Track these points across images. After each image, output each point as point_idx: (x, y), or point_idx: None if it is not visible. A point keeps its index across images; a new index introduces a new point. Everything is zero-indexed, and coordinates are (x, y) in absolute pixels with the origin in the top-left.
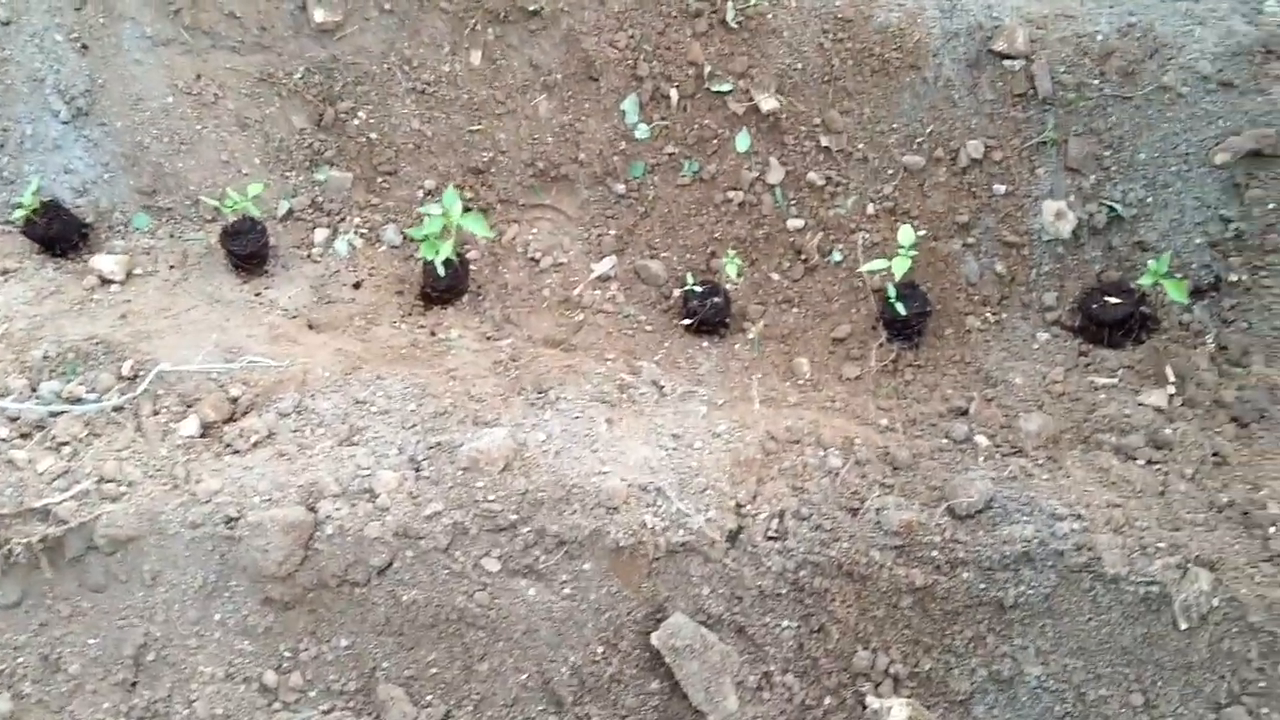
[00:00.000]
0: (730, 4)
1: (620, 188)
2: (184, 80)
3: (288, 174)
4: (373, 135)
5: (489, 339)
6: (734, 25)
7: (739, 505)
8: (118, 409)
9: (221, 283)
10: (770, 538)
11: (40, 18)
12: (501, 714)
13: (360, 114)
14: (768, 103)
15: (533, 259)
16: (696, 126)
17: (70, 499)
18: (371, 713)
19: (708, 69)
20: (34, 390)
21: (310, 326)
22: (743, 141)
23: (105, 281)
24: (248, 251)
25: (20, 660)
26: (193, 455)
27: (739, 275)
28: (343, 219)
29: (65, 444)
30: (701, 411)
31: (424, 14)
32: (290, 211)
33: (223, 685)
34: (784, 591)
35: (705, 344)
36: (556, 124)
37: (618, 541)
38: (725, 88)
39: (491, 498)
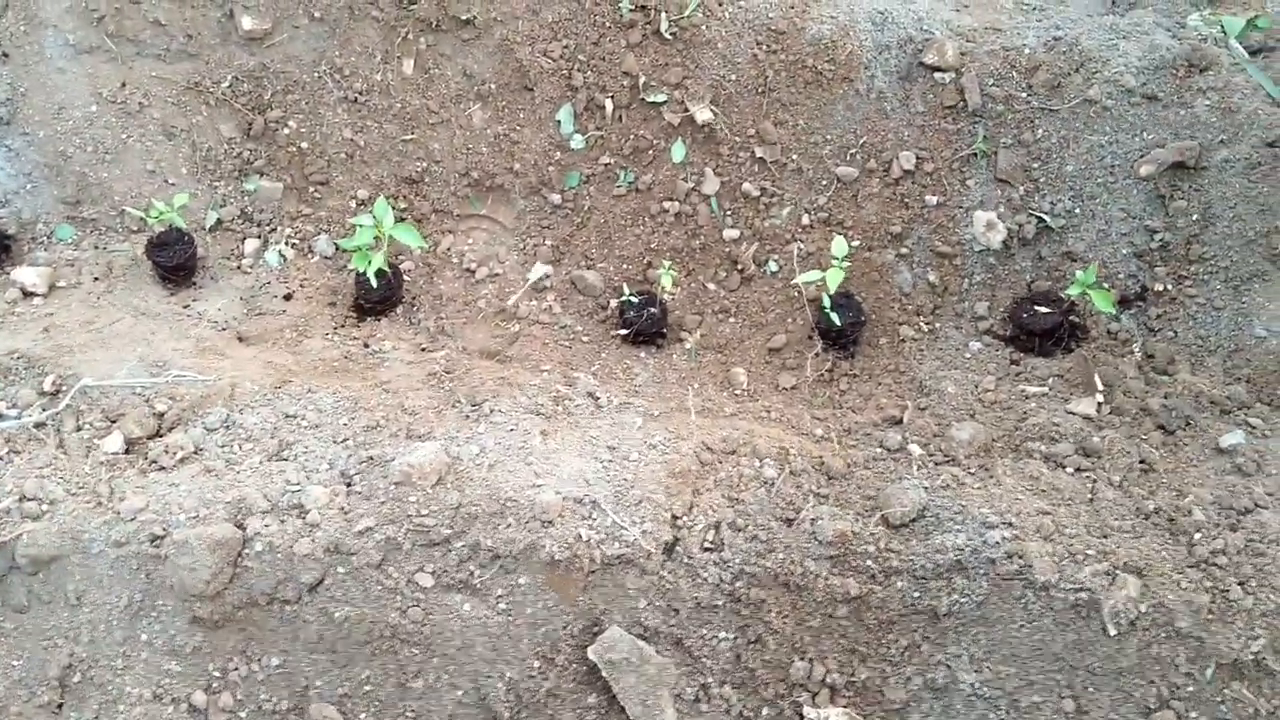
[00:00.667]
0: (664, 15)
1: (556, 198)
2: (108, 89)
3: (216, 184)
4: (304, 144)
5: (423, 351)
6: (668, 36)
7: (675, 517)
8: (39, 425)
9: (148, 295)
10: (706, 549)
11: None
12: None
13: (290, 123)
14: (702, 114)
15: (468, 269)
16: (632, 137)
17: None
18: None
19: (642, 79)
20: None
21: (240, 339)
22: (678, 152)
23: (27, 294)
24: (174, 263)
25: None
26: (116, 472)
27: (675, 286)
28: (273, 229)
29: None
30: (638, 423)
31: (355, 22)
32: (219, 222)
33: (150, 706)
34: (720, 603)
35: (642, 354)
36: (491, 134)
37: (553, 555)
38: (660, 98)
39: (424, 512)
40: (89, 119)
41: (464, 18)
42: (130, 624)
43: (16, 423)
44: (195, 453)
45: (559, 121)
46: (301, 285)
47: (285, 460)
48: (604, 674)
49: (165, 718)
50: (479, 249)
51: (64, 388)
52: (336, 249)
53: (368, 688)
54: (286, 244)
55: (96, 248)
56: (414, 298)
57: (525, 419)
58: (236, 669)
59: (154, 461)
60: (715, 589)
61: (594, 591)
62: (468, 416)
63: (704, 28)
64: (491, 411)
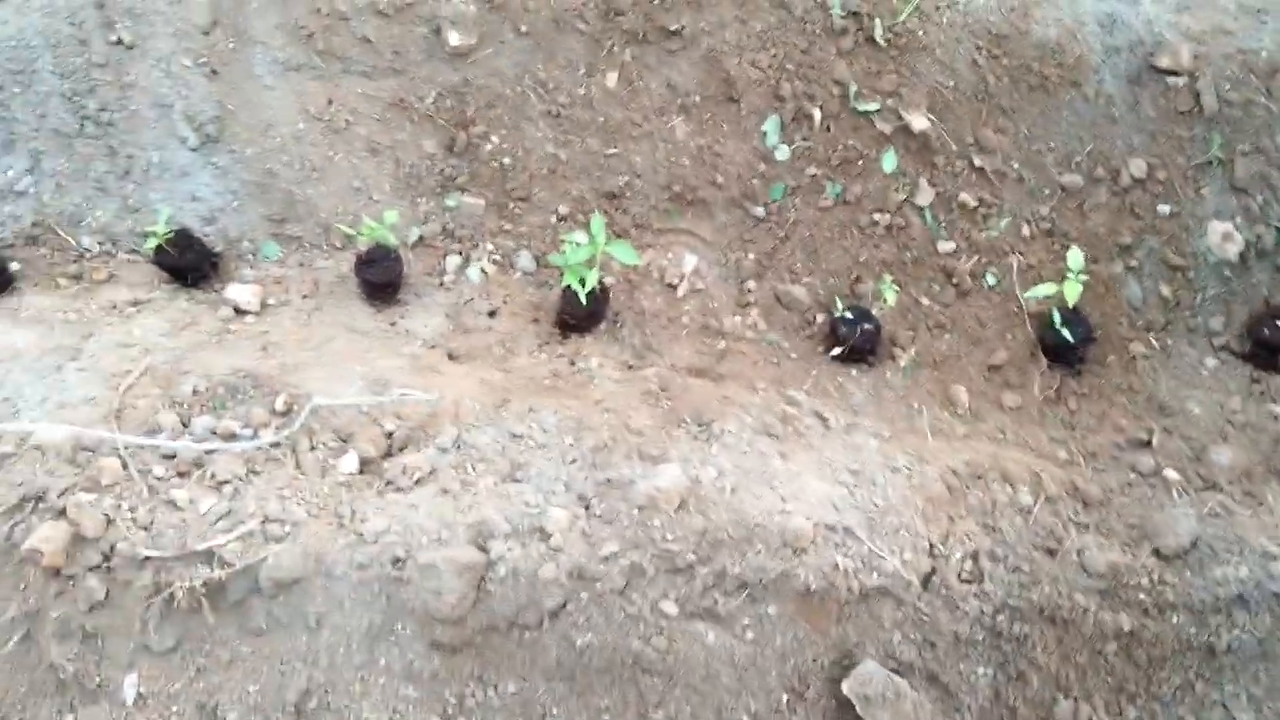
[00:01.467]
0: (878, 21)
1: (759, 211)
2: (315, 106)
3: (418, 200)
4: (505, 160)
5: (630, 368)
6: (881, 43)
7: (931, 546)
8: (274, 445)
9: (355, 312)
10: (965, 580)
11: (166, 42)
12: None
13: (493, 138)
14: (918, 122)
15: (670, 285)
16: (840, 147)
17: (235, 540)
18: None
19: (853, 88)
20: (185, 426)
21: (450, 357)
22: (889, 162)
23: (240, 312)
24: (383, 280)
25: (175, 709)
26: (355, 493)
27: (894, 301)
28: (475, 245)
29: (225, 482)
30: (873, 445)
31: (560, 35)
32: (421, 238)
33: None
34: (980, 637)
35: (854, 372)
36: (694, 146)
37: (808, 584)
38: (872, 107)
39: (670, 538)
40: (296, 136)
41: (671, 28)
42: (369, 648)
43: (255, 444)
44: (430, 474)
45: (764, 132)
46: (505, 301)
47: (519, 482)
48: (857, 709)
49: None
50: (680, 264)
51: (295, 407)
52: (538, 264)
53: (606, 717)
54: (488, 260)
55: (302, 265)
56: (616, 314)
57: (757, 439)
58: (473, 695)
59: (390, 482)
60: (975, 622)
61: (847, 623)
62: (696, 437)
63: (920, 33)
64: (722, 432)
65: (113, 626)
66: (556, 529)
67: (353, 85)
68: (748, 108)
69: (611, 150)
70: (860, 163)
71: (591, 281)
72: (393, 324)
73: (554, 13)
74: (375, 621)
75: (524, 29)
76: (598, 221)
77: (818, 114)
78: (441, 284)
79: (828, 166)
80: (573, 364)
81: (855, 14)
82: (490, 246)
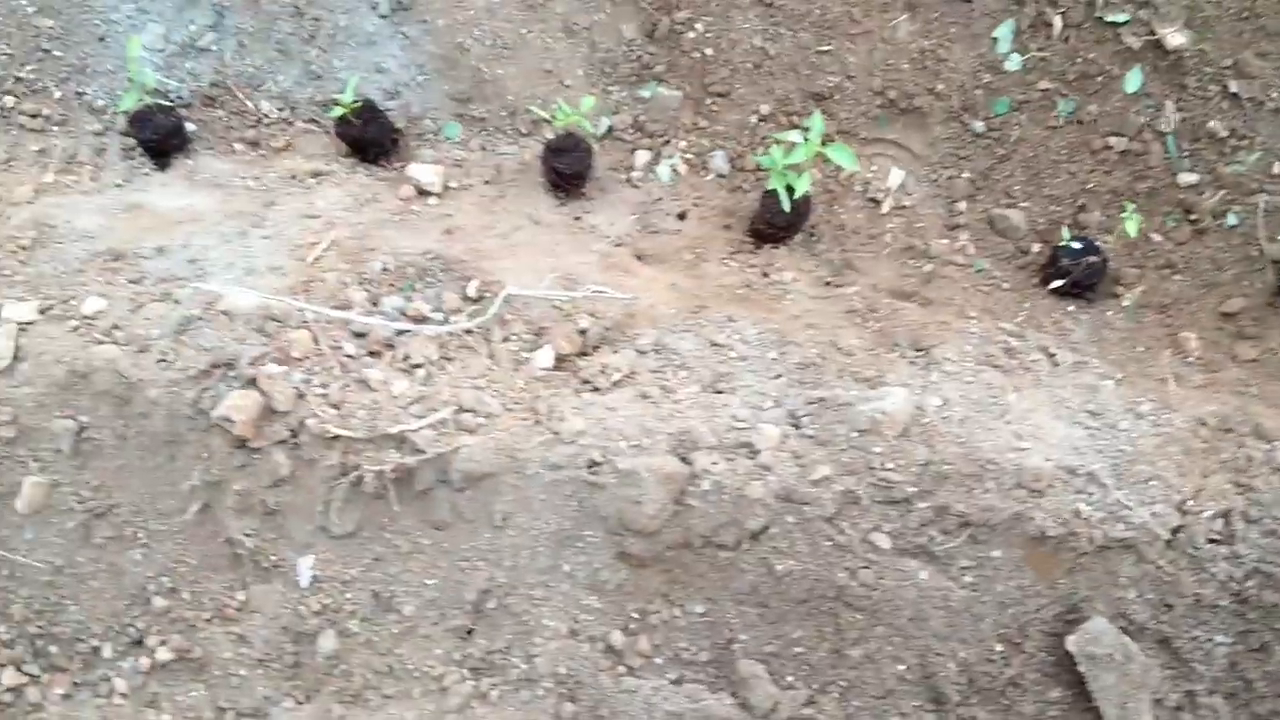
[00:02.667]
0: None
1: (979, 125)
2: None
3: (610, 88)
4: (708, 51)
5: (827, 284)
6: None
7: (1182, 501)
8: (468, 331)
9: (538, 202)
10: (1214, 540)
11: None
12: (871, 704)
13: (698, 26)
14: (1174, 38)
15: (872, 199)
16: (1079, 60)
17: (428, 427)
18: (724, 687)
19: None
20: (375, 305)
21: (638, 257)
22: (1133, 81)
23: (422, 193)
24: (572, 171)
25: (349, 596)
26: (552, 389)
27: (1135, 233)
28: (667, 141)
29: (418, 366)
30: (1107, 386)
31: None
32: (610, 130)
33: (566, 642)
34: (1224, 603)
35: (1071, 308)
36: (915, 49)
37: (1043, 530)
38: (1121, 18)
39: (889, 466)
40: (490, 9)
41: None
42: (555, 553)
43: (450, 328)
44: (629, 376)
45: (995, 39)
46: (695, 204)
47: (722, 393)
48: (1080, 668)
49: (580, 655)
50: (886, 178)
51: (487, 295)
52: (732, 167)
53: (798, 649)
54: (680, 158)
55: (484, 149)
56: (813, 226)
57: (982, 371)
58: (658, 612)
59: (587, 381)
60: (1221, 587)
61: (1079, 575)
62: (913, 363)
63: None
64: (942, 360)
65: (294, 505)
66: (766, 446)
67: None
68: (981, 9)
69: (824, 47)
70: (1100, 79)
71: (803, 187)
72: (577, 218)
73: None
74: (564, 526)
75: None
76: (817, 120)
77: (1059, 22)
78: (629, 180)
79: (1062, 81)
80: (765, 275)
81: None
82: (683, 144)
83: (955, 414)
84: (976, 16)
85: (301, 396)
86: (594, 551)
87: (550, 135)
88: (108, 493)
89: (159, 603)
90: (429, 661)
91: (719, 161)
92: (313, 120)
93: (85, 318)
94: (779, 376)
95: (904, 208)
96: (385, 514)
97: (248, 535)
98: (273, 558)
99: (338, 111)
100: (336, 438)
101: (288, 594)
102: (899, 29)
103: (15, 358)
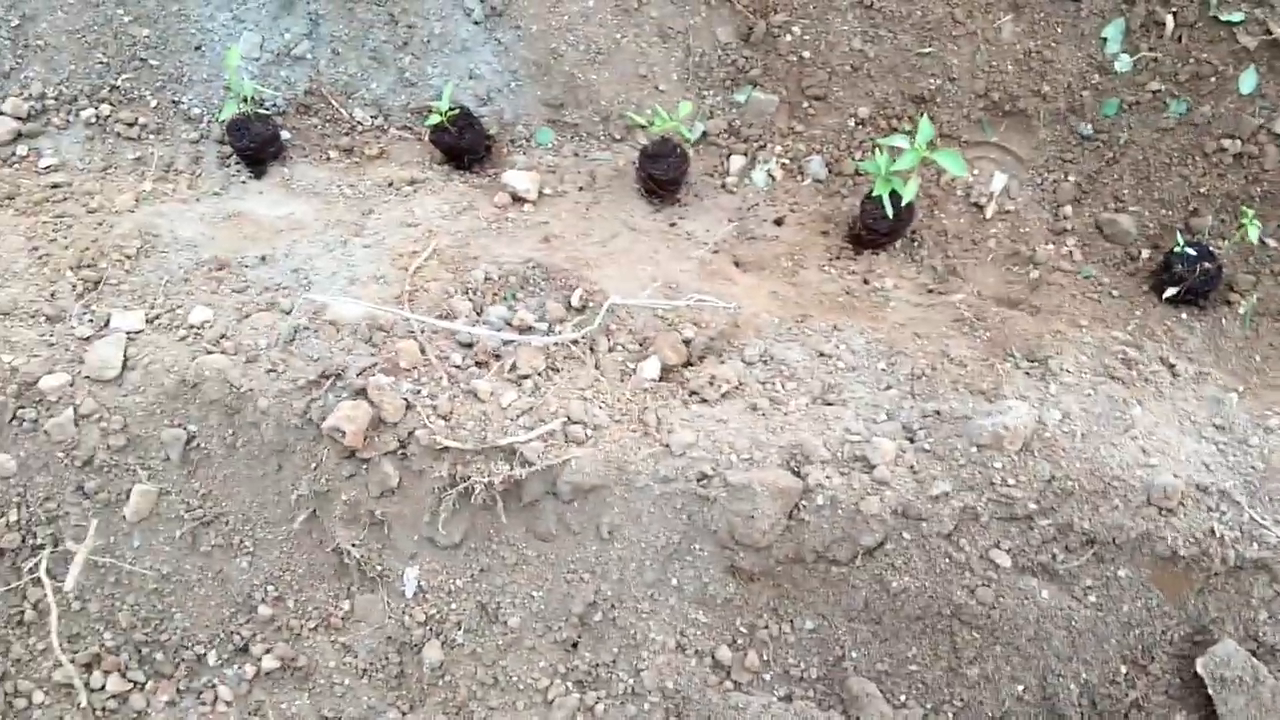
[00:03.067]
0: None
1: (1086, 128)
2: None
3: (705, 93)
4: (805, 54)
5: (930, 291)
6: None
7: None
8: (574, 342)
9: (633, 208)
10: None
11: None
12: None
13: (795, 29)
14: None
15: (975, 204)
16: (1191, 61)
17: (537, 439)
18: (834, 705)
19: None
20: (479, 314)
21: (736, 264)
22: (1248, 81)
23: (517, 200)
24: (668, 177)
25: (454, 606)
26: (660, 400)
27: (1255, 238)
28: (762, 146)
29: (526, 377)
30: (1231, 399)
31: None
32: (704, 135)
33: (673, 656)
34: None
35: (1184, 316)
36: (1020, 50)
37: (1174, 549)
38: (1236, 17)
39: (1010, 482)
40: (584, 14)
41: None
42: (663, 566)
43: (556, 338)
44: (738, 387)
45: (1104, 39)
46: (792, 210)
47: (833, 405)
48: (1210, 691)
49: (687, 670)
50: (988, 182)
51: (590, 304)
52: (829, 171)
53: (912, 667)
54: (775, 163)
55: (577, 155)
56: (914, 232)
57: (1101, 383)
58: (766, 627)
59: (695, 393)
60: None
61: (1209, 596)
62: (1029, 374)
63: None
64: (1060, 371)
65: (400, 515)
66: (882, 460)
67: None
68: (1089, 9)
69: (925, 49)
70: (1213, 80)
71: (909, 193)
72: (672, 224)
73: None
74: (673, 539)
75: None
76: (925, 125)
77: (1171, 21)
78: (723, 185)
79: (1174, 82)
80: (866, 282)
81: None
82: (779, 149)
83: (1077, 428)
84: (1085, 16)
85: (410, 407)
86: (702, 565)
87: (645, 141)
88: (215, 501)
89: (264, 611)
90: (534, 674)
91: (816, 166)
92: (406, 127)
93: (192, 327)
94: (889, 388)
95: (1008, 213)
96: (492, 525)
97: (354, 545)
98: (378, 567)
99: (434, 119)
100: (446, 449)
101: (393, 604)
102: (1003, 30)
103: (124, 367)
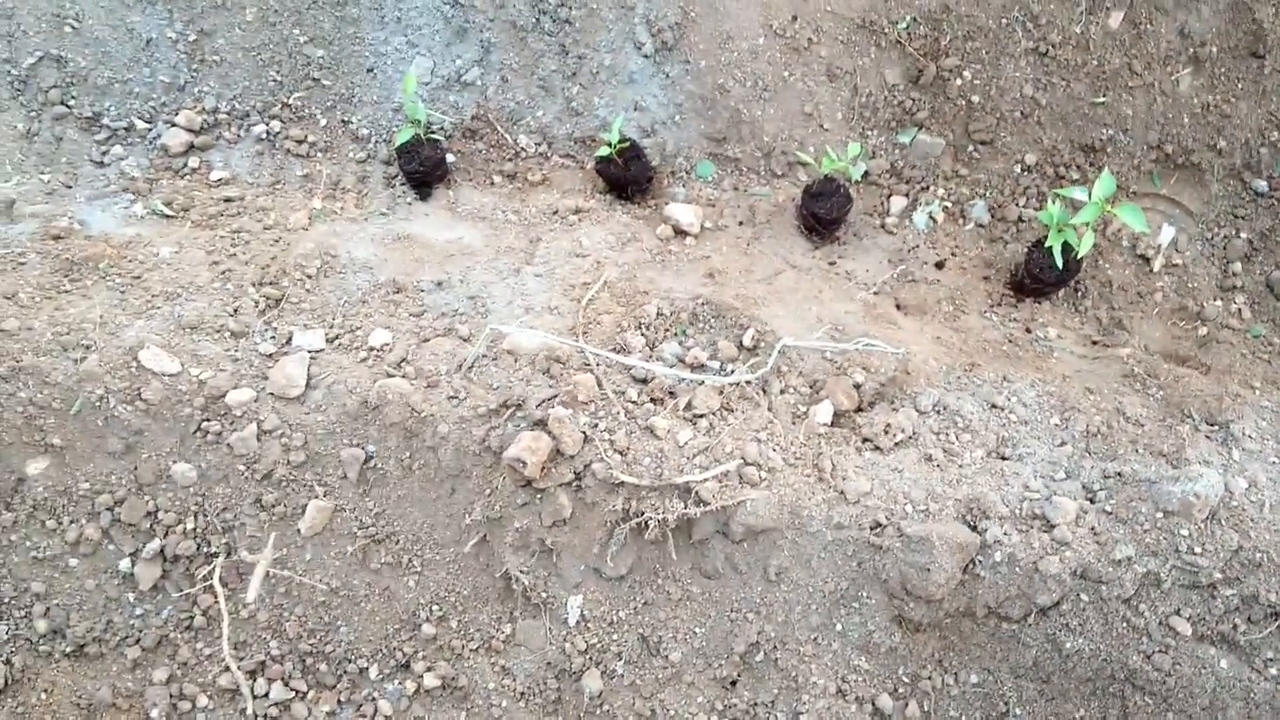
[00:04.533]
0: None
1: (1261, 184)
2: (779, 21)
3: (869, 133)
4: (975, 98)
5: (1094, 343)
6: None
7: None
8: (747, 382)
9: (793, 246)
10: None
11: None
12: None
13: (965, 73)
14: None
15: (1142, 256)
16: None
17: (713, 479)
18: None
19: None
20: (652, 349)
21: (898, 306)
22: None
23: (679, 232)
24: (831, 216)
25: (616, 638)
26: (834, 446)
27: None
28: (925, 188)
29: (701, 416)
30: None
31: None
32: (866, 174)
33: (834, 701)
34: None
35: None
36: (1198, 103)
37: None
38: None
39: (1197, 550)
40: (754, 51)
41: None
42: (829, 611)
43: (732, 378)
44: (911, 436)
45: None
46: (953, 254)
47: (1007, 459)
48: None
49: (847, 716)
50: (1157, 234)
51: (762, 344)
52: (992, 216)
53: None
54: (939, 206)
55: (737, 189)
56: (1078, 282)
57: None
58: (929, 678)
59: (868, 440)
60: None
61: None
62: (1210, 437)
63: None
64: (1241, 436)
65: (570, 545)
66: (1063, 520)
67: (821, 2)
68: (1273, 66)
69: (1099, 99)
70: None
71: (1085, 247)
72: (831, 263)
73: None
74: (841, 585)
75: None
76: (1107, 179)
77: None
78: (883, 226)
79: None
80: (1028, 331)
81: None
82: (941, 191)
83: (1266, 498)
84: (1267, 74)
85: (588, 440)
86: (869, 613)
87: (807, 178)
88: (388, 520)
89: (428, 630)
90: (691, 709)
91: (979, 211)
92: (569, 155)
93: (372, 349)
94: (1064, 444)
95: (1175, 266)
96: (659, 560)
97: (523, 571)
98: (543, 594)
99: (604, 151)
100: (621, 483)
101: (555, 630)
102: (1181, 82)
103: (308, 385)
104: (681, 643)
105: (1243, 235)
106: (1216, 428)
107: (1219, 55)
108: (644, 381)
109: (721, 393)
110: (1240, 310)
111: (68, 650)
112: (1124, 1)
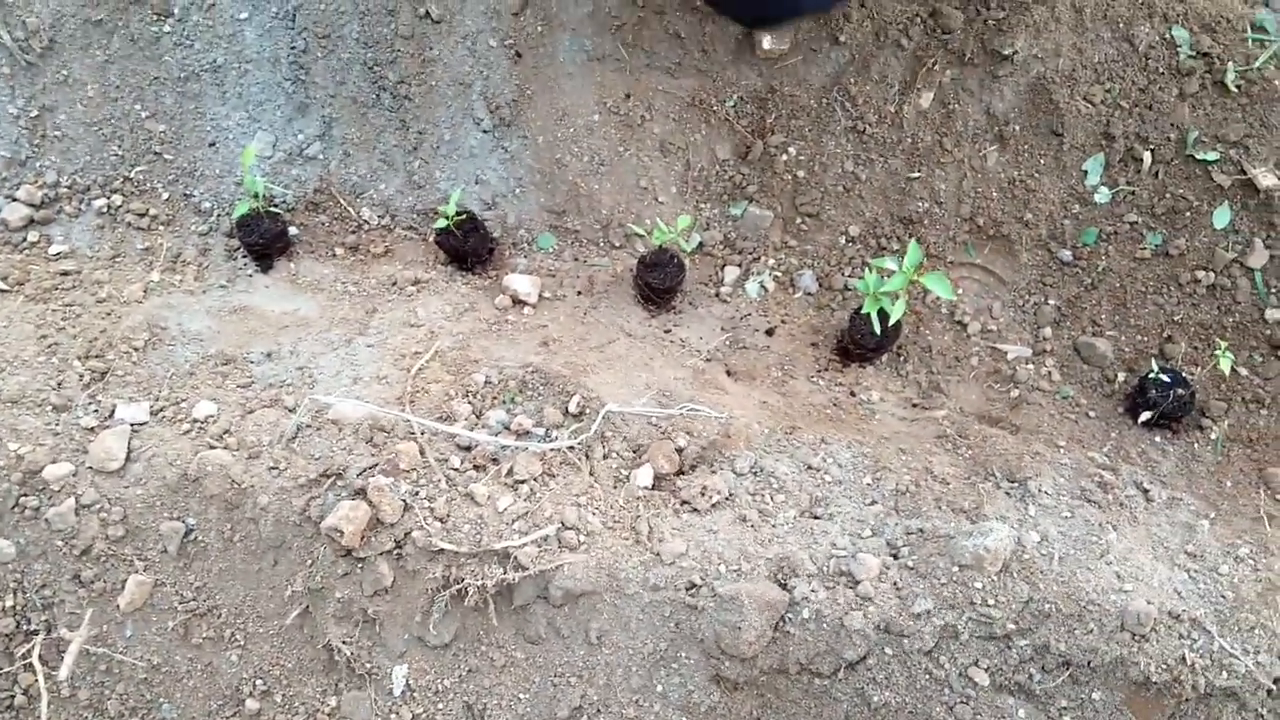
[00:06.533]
0: (1230, 65)
1: (1066, 254)
2: (613, 98)
3: (702, 206)
4: (800, 173)
5: (914, 406)
6: (1233, 89)
7: None
8: (570, 448)
9: (629, 315)
10: None
11: (475, 20)
12: None
13: (791, 150)
14: (1265, 179)
15: (959, 322)
16: (1168, 196)
17: (532, 544)
18: None
19: (1193, 134)
20: (478, 417)
21: (728, 373)
22: (1222, 218)
23: (518, 302)
24: (665, 285)
25: (442, 706)
26: (652, 509)
27: (1228, 369)
28: (756, 259)
29: (522, 482)
30: (1204, 526)
31: (878, 49)
32: (700, 245)
33: None
34: None
35: (1158, 439)
36: (1005, 178)
37: (1147, 675)
38: (1211, 156)
39: (990, 602)
40: (589, 128)
41: (1003, 52)
42: (649, 673)
43: (554, 444)
44: (728, 498)
45: (1085, 171)
46: (783, 321)
47: (819, 519)
48: None
49: None
50: (971, 301)
51: (587, 410)
52: (820, 286)
53: None
54: (769, 275)
55: (576, 260)
56: (899, 347)
57: (1078, 506)
58: None
59: (686, 502)
60: None
61: None
62: (1009, 494)
63: (1277, 83)
64: (1038, 492)
65: (392, 615)
66: (866, 576)
67: (653, 81)
68: (1071, 143)
69: (914, 174)
70: (1189, 214)
71: (897, 313)
72: (667, 331)
73: (877, 25)
74: (660, 647)
75: (842, 39)
76: (914, 250)
77: (1148, 158)
78: (718, 295)
79: (1150, 215)
80: (853, 394)
81: (1205, 55)
82: (772, 262)
83: (1055, 551)
84: (1066, 150)
85: (408, 508)
86: (688, 673)
87: (643, 249)
88: (209, 594)
89: (251, 705)
90: None
91: (807, 280)
92: (412, 227)
93: (196, 421)
94: (874, 503)
95: (990, 332)
96: (482, 627)
97: (345, 642)
98: (367, 665)
99: (441, 223)
100: (441, 551)
101: (380, 702)
102: (989, 159)
103: (128, 458)
104: (506, 709)
105: (1051, 302)
106: (1015, 484)
107: (1021, 133)
108: (468, 449)
109: (543, 459)
110: (1050, 373)
111: None
112: (933, 83)
